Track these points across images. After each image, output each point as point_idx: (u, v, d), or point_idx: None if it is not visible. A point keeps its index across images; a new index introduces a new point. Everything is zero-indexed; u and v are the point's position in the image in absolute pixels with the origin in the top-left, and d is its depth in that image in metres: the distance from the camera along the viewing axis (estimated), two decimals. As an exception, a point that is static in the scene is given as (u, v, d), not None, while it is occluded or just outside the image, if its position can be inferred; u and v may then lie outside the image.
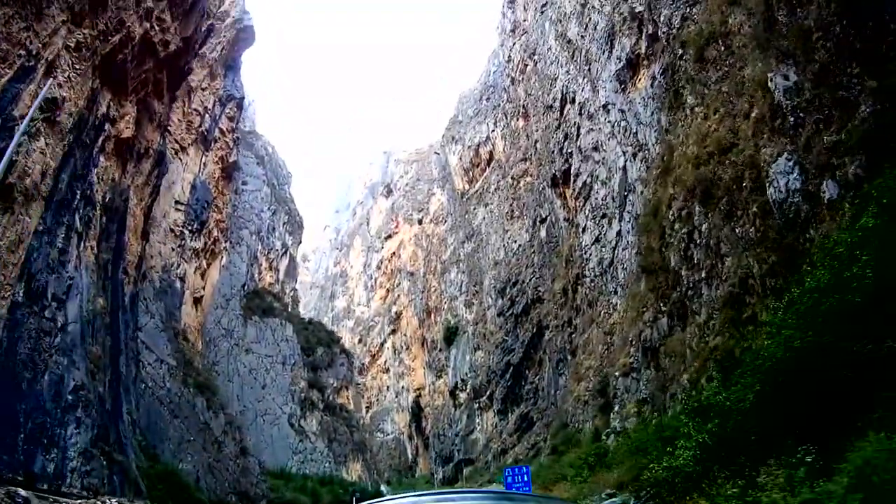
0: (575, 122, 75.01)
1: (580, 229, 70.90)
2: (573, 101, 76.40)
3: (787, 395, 12.67)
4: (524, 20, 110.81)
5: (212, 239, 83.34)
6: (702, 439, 15.73)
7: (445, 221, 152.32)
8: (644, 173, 50.76)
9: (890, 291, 11.15)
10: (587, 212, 68.87)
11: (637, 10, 53.54)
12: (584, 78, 72.50)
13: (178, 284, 72.47)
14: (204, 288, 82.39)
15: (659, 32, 45.50)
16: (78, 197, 33.99)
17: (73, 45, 30.38)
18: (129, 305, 45.61)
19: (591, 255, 66.54)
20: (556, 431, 62.67)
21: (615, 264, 59.11)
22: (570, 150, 77.33)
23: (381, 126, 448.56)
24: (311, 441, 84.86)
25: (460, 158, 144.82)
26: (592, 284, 66.14)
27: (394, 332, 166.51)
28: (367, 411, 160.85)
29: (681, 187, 30.05)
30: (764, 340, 15.86)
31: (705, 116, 30.35)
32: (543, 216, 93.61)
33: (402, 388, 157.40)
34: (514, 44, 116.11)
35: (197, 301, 79.65)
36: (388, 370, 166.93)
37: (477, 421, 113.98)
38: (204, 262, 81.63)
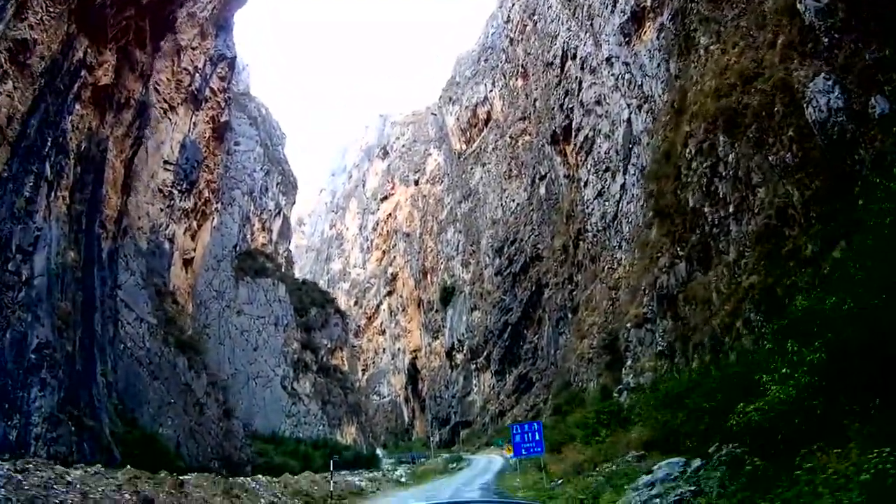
0: (576, 78, 73.83)
1: (582, 184, 69.38)
2: (574, 56, 75.22)
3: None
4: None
5: (202, 199, 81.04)
6: (817, 359, 11.06)
7: (442, 182, 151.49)
8: (650, 125, 49.87)
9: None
10: (589, 166, 67.53)
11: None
12: (585, 33, 71.26)
13: (166, 245, 70.19)
14: (194, 250, 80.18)
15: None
16: (49, 144, 32.01)
17: (46, -14, 28.31)
18: (106, 261, 43.14)
19: (593, 209, 65.05)
20: (558, 391, 61.44)
21: (619, 218, 57.91)
22: (570, 106, 76.31)
23: (378, 91, 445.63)
24: (304, 404, 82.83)
25: (457, 119, 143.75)
26: (595, 239, 64.70)
27: (390, 293, 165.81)
28: (363, 374, 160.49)
29: (699, 122, 27.79)
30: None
31: (723, 52, 28.65)
32: (543, 173, 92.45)
33: (399, 350, 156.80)
34: (514, 4, 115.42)
35: (187, 263, 77.52)
36: (384, 332, 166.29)
37: (474, 382, 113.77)
38: (194, 223, 79.34)
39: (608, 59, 62.45)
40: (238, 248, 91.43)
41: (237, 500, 25.29)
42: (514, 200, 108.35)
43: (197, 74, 73.13)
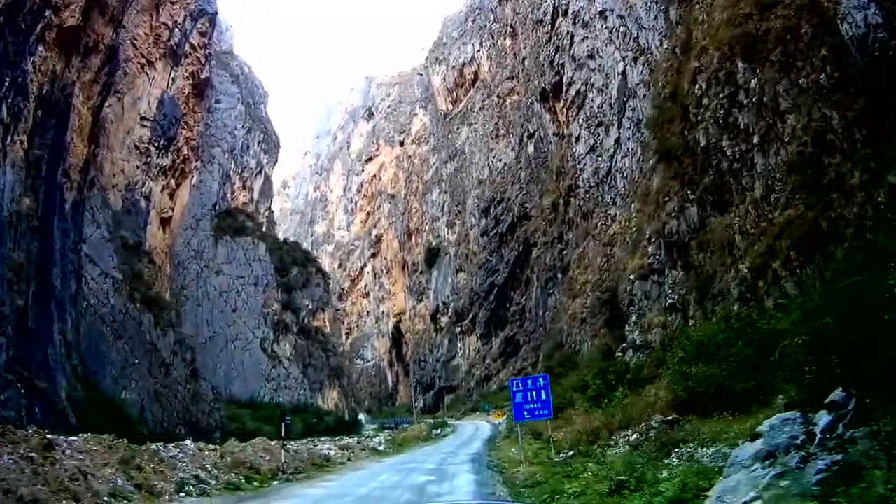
0: (568, 33, 72.54)
1: (573, 139, 67.68)
2: (566, 13, 73.94)
3: None
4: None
5: (181, 157, 79.29)
6: None
7: (427, 142, 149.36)
8: (647, 76, 49.16)
9: None
10: (580, 121, 65.94)
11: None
12: (578, -13, 69.79)
13: (143, 203, 68.97)
14: (173, 209, 78.36)
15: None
16: (7, 84, 30.93)
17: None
18: (70, 212, 40.64)
19: (585, 165, 63.36)
20: (549, 353, 59.73)
21: (613, 173, 56.35)
22: (561, 62, 75.06)
23: (365, 53, 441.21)
24: (284, 367, 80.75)
25: (444, 79, 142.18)
26: (587, 196, 62.88)
27: (374, 255, 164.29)
28: (346, 338, 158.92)
29: (710, 55, 25.39)
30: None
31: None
32: (531, 131, 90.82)
33: (383, 313, 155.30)
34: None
35: (164, 222, 75.69)
36: (367, 295, 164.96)
37: (459, 346, 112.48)
38: (172, 182, 77.60)
39: (601, 13, 61.75)
40: (218, 207, 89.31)
41: (137, 474, 18.78)
42: (500, 160, 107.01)
43: (176, 29, 72.11)
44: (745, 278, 19.95)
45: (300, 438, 42.98)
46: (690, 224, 25.20)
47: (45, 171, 35.88)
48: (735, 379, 15.52)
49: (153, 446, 23.56)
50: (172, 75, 74.13)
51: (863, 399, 7.35)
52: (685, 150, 26.71)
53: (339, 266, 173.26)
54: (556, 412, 26.72)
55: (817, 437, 7.44)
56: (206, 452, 25.93)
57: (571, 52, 70.52)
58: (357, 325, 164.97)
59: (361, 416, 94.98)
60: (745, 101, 21.57)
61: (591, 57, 65.14)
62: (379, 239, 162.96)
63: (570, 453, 22.41)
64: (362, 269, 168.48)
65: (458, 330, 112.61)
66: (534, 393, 25.03)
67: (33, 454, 15.89)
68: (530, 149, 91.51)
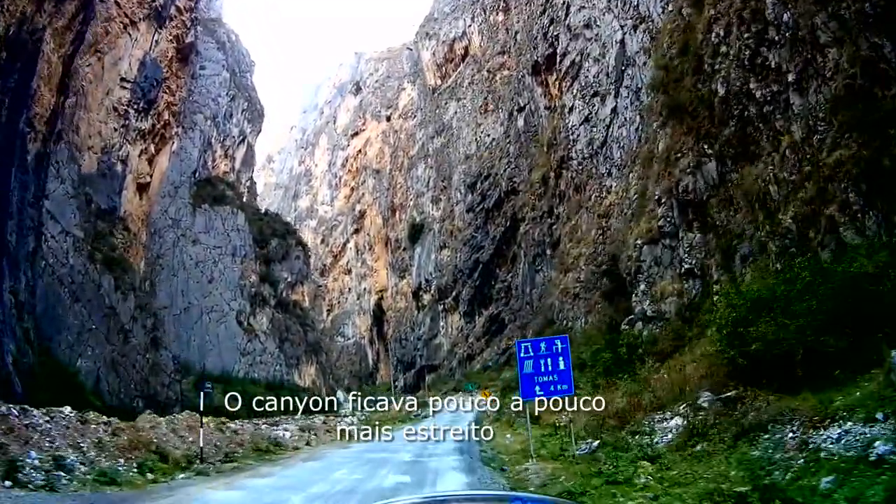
0: (564, 3, 70.85)
1: (566, 111, 65.89)
2: None
3: None
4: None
5: (161, 122, 77.29)
6: None
7: (415, 116, 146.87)
8: (647, 44, 47.67)
9: None
10: (574, 92, 64.19)
11: None
12: (574, -43, 68.53)
13: (119, 167, 67.51)
14: (151, 175, 76.34)
15: None
16: None
17: None
18: (32, 164, 38.08)
19: (578, 136, 61.44)
20: (539, 330, 57.70)
21: (609, 143, 54.52)
22: (556, 33, 73.31)
23: (354, 27, 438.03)
24: (260, 341, 78.46)
25: (433, 54, 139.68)
26: (580, 167, 60.94)
27: (357, 231, 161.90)
28: (327, 315, 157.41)
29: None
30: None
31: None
32: (522, 105, 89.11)
33: (364, 290, 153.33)
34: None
35: (142, 188, 73.72)
36: (350, 271, 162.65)
37: (441, 324, 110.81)
38: (152, 147, 75.70)
39: (600, -20, 60.17)
40: (197, 175, 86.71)
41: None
42: (489, 135, 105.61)
43: (161, -11, 70.71)
44: (788, 230, 17.48)
45: (274, 416, 38.76)
46: (709, 180, 22.80)
47: (5, 117, 33.24)
48: (821, 337, 12.48)
49: (3, 408, 18.07)
50: (156, 37, 72.96)
51: None
52: (699, 103, 24.44)
53: (322, 241, 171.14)
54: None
55: None
56: (94, 426, 20.46)
57: (567, 21, 68.76)
58: (338, 302, 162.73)
59: (339, 394, 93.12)
60: (776, 38, 19.20)
61: (587, 26, 63.46)
62: (362, 214, 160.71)
63: (595, 444, 17.91)
64: (345, 244, 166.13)
65: (440, 308, 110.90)
66: (549, 360, 18.57)
67: None
68: (520, 123, 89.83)
